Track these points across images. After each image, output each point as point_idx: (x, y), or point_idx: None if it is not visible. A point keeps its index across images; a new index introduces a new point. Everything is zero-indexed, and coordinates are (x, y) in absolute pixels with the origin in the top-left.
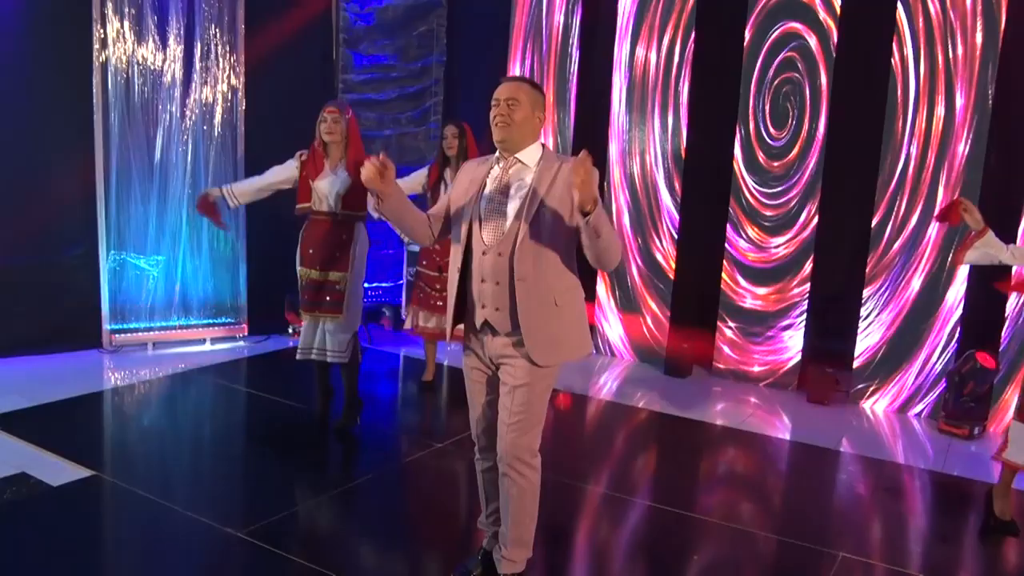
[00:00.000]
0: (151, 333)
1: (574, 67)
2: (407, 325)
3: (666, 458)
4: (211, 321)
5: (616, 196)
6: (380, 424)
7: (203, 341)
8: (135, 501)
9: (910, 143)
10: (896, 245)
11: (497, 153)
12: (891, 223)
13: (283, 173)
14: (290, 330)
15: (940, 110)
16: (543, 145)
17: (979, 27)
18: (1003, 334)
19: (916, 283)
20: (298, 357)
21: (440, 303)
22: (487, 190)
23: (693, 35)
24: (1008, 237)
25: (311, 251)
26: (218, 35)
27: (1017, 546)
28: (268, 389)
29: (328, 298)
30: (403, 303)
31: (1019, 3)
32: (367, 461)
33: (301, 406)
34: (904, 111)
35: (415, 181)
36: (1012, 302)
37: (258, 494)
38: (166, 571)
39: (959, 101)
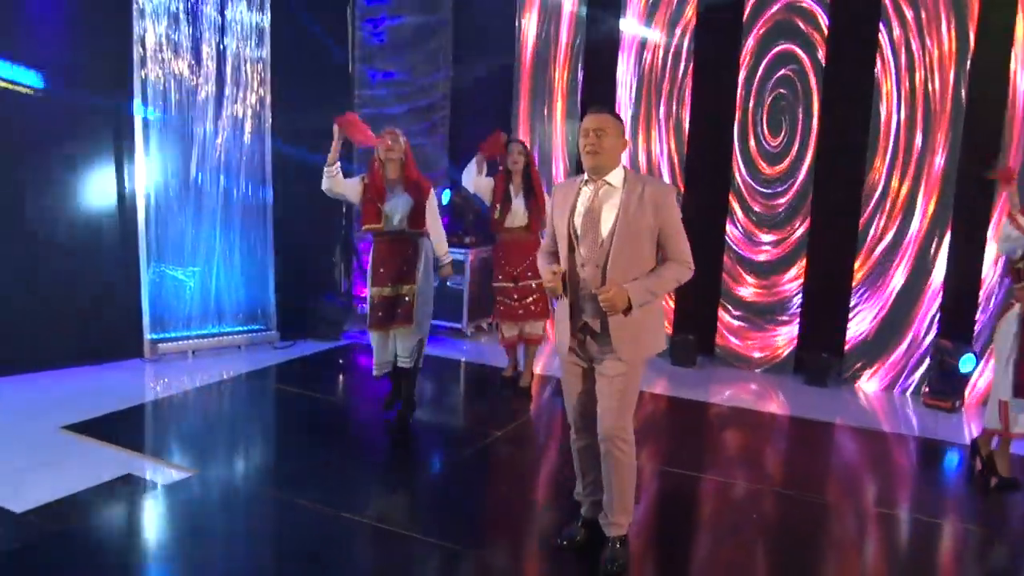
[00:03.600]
0: (190, 342)
1: (579, 82)
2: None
3: (686, 436)
4: (244, 328)
5: None
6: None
7: (237, 348)
8: (246, 497)
9: (895, 141)
10: (881, 244)
11: (585, 176)
12: (876, 221)
13: (350, 187)
14: None
15: (919, 115)
16: (624, 167)
17: (951, 50)
18: (977, 318)
19: (900, 274)
20: (375, 374)
21: (521, 311)
22: (581, 209)
23: (692, 69)
24: (977, 238)
25: (382, 270)
26: (247, 51)
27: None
28: (323, 390)
29: (399, 311)
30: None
31: (987, 28)
32: (451, 446)
33: (362, 402)
34: (888, 126)
35: (488, 188)
36: (986, 289)
37: (367, 480)
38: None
39: (935, 109)
